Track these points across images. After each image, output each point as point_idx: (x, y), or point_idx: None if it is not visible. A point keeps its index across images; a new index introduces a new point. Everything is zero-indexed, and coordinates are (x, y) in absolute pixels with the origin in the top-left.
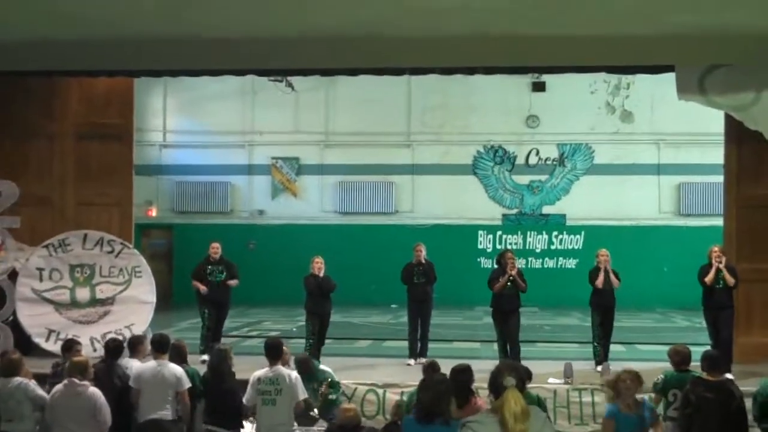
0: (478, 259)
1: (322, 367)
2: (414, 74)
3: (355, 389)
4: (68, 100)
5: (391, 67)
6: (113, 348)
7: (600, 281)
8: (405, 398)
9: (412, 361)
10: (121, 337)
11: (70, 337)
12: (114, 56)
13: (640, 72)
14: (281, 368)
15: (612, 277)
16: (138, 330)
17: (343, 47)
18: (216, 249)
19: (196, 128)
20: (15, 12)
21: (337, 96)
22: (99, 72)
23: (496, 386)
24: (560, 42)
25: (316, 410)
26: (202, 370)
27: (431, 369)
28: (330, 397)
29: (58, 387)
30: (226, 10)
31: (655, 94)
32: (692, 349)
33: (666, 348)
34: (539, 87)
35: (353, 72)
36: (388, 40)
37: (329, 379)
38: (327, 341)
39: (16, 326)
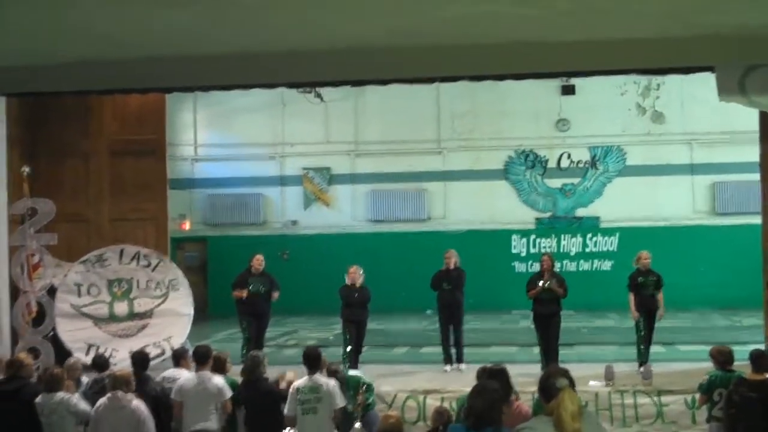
0: (513, 264)
1: (351, 372)
2: (444, 82)
3: (395, 396)
4: (102, 118)
5: (421, 76)
6: (140, 360)
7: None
8: (453, 405)
9: (448, 367)
10: (159, 350)
11: (109, 351)
12: (147, 74)
13: (676, 73)
14: (319, 377)
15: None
16: (176, 342)
17: (372, 58)
18: (260, 261)
19: (226, 141)
20: (49, 35)
21: (367, 105)
22: (132, 90)
23: (548, 389)
24: (592, 46)
25: (359, 422)
26: None
27: (485, 375)
28: (368, 402)
29: (102, 400)
30: (256, 25)
31: (686, 94)
32: (734, 348)
33: (706, 348)
34: (569, 90)
35: (384, 82)
36: (418, 49)
37: (363, 383)
38: (363, 349)
39: (56, 341)
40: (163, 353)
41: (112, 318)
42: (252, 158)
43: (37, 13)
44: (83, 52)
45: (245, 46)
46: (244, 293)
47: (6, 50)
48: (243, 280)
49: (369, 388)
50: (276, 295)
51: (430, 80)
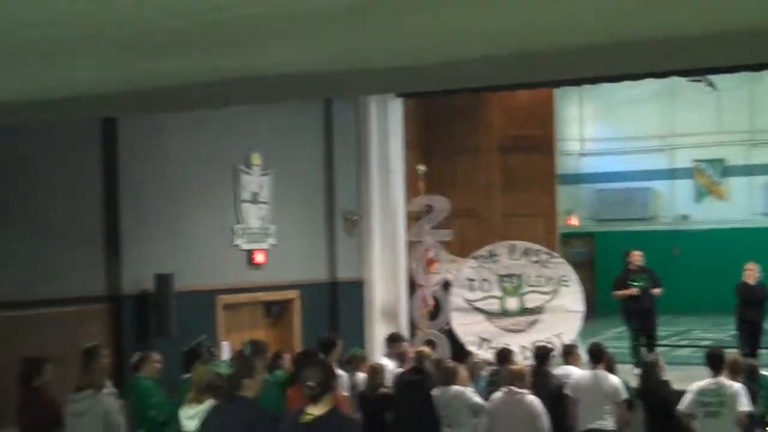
0: None
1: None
2: None
3: None
4: (491, 114)
5: None
6: (542, 354)
7: None
8: None
9: None
10: (550, 345)
11: (501, 345)
12: (534, 68)
13: None
14: (723, 379)
15: None
16: (567, 339)
17: None
18: (637, 257)
19: (613, 135)
20: (441, 34)
21: (763, 91)
22: (522, 85)
23: None
24: None
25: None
26: (635, 381)
27: None
28: None
29: (497, 394)
30: (643, 10)
31: None
32: None
33: None
34: None
35: None
36: None
37: None
38: (765, 350)
39: (451, 335)
40: (553, 350)
41: (504, 313)
42: (640, 151)
43: (432, 15)
44: (471, 49)
45: (631, 34)
46: (634, 291)
47: (401, 52)
48: (623, 279)
49: None
50: (658, 291)
51: None
